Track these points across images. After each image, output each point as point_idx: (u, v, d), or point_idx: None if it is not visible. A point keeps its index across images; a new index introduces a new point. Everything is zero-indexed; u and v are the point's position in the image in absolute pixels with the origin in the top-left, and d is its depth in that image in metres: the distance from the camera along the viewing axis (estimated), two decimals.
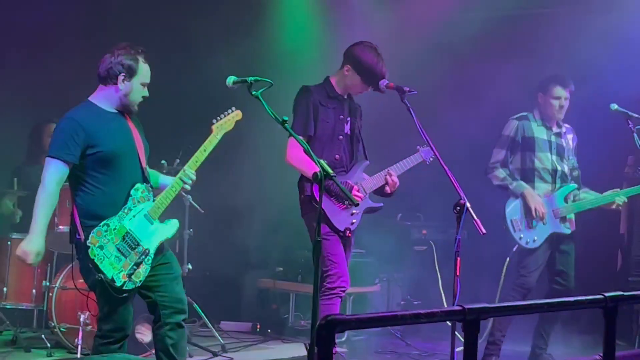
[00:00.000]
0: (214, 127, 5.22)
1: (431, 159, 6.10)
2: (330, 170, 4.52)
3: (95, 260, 4.78)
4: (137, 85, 5.01)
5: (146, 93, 5.09)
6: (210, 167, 5.39)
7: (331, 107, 6.00)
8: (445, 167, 5.11)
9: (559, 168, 7.03)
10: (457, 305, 2.99)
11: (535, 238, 6.91)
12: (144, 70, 5.03)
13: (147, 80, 5.08)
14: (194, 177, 5.12)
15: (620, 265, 8.65)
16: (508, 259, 7.08)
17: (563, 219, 6.99)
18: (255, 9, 9.29)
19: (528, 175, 7.01)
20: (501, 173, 7.01)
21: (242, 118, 5.34)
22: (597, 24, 8.43)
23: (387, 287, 9.09)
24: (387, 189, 5.99)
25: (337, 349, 6.42)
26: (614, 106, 6.72)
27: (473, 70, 9.04)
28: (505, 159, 7.05)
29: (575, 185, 7.07)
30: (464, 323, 2.94)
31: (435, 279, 8.49)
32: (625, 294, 3.51)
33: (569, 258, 7.07)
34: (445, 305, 4.29)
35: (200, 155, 5.14)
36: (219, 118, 5.26)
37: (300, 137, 5.17)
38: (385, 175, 5.97)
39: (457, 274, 4.87)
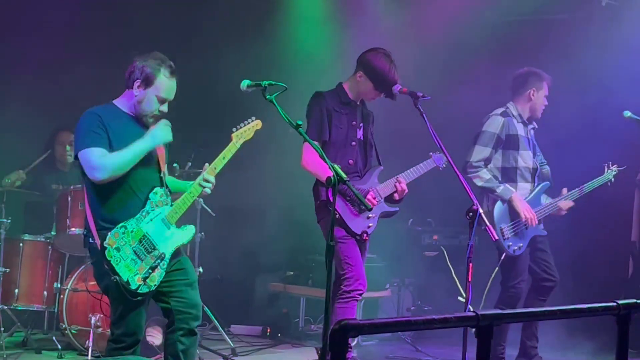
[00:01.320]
0: (233, 135, 5.21)
1: (444, 165, 6.10)
2: (343, 175, 4.54)
3: (112, 262, 4.78)
4: (152, 96, 4.97)
5: (164, 108, 5.04)
6: (222, 171, 5.40)
7: (344, 113, 6.02)
8: (458, 172, 5.12)
9: (537, 166, 6.90)
10: (470, 311, 2.98)
11: (521, 245, 6.69)
12: (163, 85, 4.97)
13: (167, 96, 5.02)
14: (213, 181, 5.12)
15: (631, 273, 8.62)
16: (497, 269, 6.69)
17: (540, 221, 6.83)
18: (268, 11, 9.30)
19: (510, 174, 6.78)
20: (486, 174, 6.70)
21: (261, 127, 5.34)
22: (605, 30, 8.44)
23: (398, 292, 9.08)
24: (396, 195, 6.01)
25: (351, 354, 6.42)
26: (627, 113, 6.69)
27: (483, 73, 9.04)
28: (490, 158, 6.77)
29: (548, 183, 6.93)
30: (477, 329, 2.94)
31: (446, 284, 8.46)
32: (639, 301, 3.49)
33: (547, 253, 6.91)
34: (471, 309, 4.29)
35: (219, 162, 5.14)
36: (239, 127, 5.24)
37: (315, 143, 5.21)
38: (395, 182, 5.98)
39: (469, 279, 4.87)
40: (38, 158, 7.83)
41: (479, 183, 6.69)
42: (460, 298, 6.74)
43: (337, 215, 5.83)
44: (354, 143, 6.03)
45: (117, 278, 4.78)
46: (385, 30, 8.87)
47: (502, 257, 6.65)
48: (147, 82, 4.95)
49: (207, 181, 5.09)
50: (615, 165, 6.93)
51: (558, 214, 6.90)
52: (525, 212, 6.65)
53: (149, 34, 8.01)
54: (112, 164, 4.79)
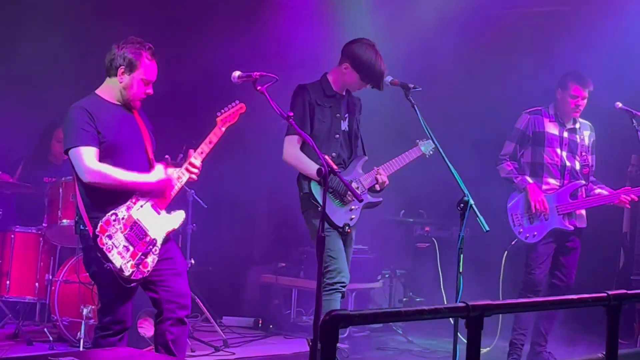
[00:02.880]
0: (218, 119, 5.23)
1: (431, 152, 6.09)
2: (334, 166, 4.54)
3: (104, 249, 4.79)
4: (137, 80, 5.01)
5: (149, 90, 5.08)
6: (213, 162, 5.40)
7: (327, 106, 5.98)
8: (449, 163, 5.10)
9: (568, 164, 6.98)
10: (460, 302, 2.98)
11: (535, 233, 6.89)
12: (147, 67, 5.02)
13: (151, 77, 5.06)
14: (199, 165, 5.13)
15: (622, 264, 8.64)
16: (506, 252, 7.09)
17: (568, 215, 6.94)
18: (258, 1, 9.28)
19: (537, 170, 7.00)
20: (508, 165, 7.03)
21: (245, 113, 5.35)
22: (607, 23, 8.44)
23: (390, 283, 9.09)
24: (377, 187, 5.99)
25: (339, 344, 6.42)
26: (619, 104, 6.71)
27: (482, 65, 9.05)
28: (514, 152, 7.07)
29: (583, 182, 7.01)
30: (468, 320, 2.94)
31: (438, 276, 8.49)
32: (629, 292, 3.50)
33: (572, 255, 7.04)
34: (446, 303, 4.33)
35: (205, 147, 5.16)
36: (223, 111, 5.26)
37: (297, 136, 5.38)
38: (375, 174, 5.96)
39: (460, 271, 4.87)
40: (22, 158, 7.87)
41: (502, 174, 7.08)
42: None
43: (319, 209, 5.88)
44: (337, 136, 5.99)
45: (111, 265, 4.79)
46: (378, 20, 8.87)
47: (513, 242, 6.98)
48: (131, 67, 4.98)
49: (193, 166, 5.10)
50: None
51: (621, 204, 7.02)
52: (536, 202, 6.85)
53: (140, 24, 7.96)
54: (105, 176, 4.84)
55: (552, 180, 6.98)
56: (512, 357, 6.90)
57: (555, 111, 7.03)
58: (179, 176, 5.08)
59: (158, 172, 4.99)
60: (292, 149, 5.84)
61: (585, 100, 6.97)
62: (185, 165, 5.12)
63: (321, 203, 5.74)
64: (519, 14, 9.33)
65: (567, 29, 8.93)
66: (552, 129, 7.00)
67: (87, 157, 4.84)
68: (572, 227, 6.96)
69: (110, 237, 4.82)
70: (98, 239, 4.78)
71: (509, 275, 7.24)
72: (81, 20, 8.53)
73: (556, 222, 6.92)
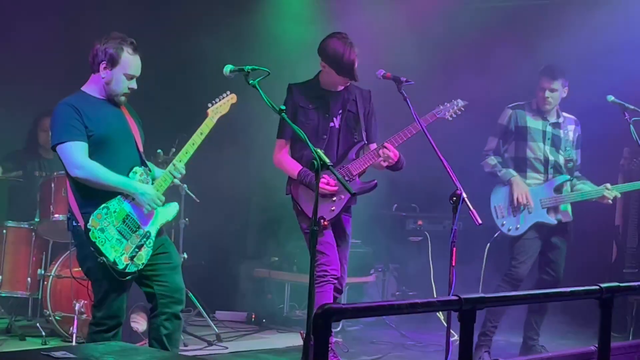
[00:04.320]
0: (209, 110, 5.25)
1: (450, 119, 5.94)
2: (327, 160, 4.55)
3: (97, 243, 4.79)
4: (119, 75, 4.99)
5: (133, 85, 5.06)
6: (206, 156, 5.40)
7: (312, 108, 5.94)
8: (442, 157, 5.11)
9: (551, 158, 6.98)
10: (453, 295, 2.99)
11: (518, 226, 6.88)
12: (129, 62, 4.99)
13: (134, 72, 5.04)
14: (183, 171, 5.12)
15: (615, 257, 8.65)
16: (488, 245, 7.13)
17: (552, 210, 6.94)
18: None
19: (520, 164, 7.00)
20: (492, 160, 7.01)
21: (239, 107, 5.35)
22: (597, 16, 8.44)
23: (383, 277, 9.09)
24: (383, 163, 5.84)
25: (334, 338, 6.42)
26: (611, 97, 6.70)
27: (473, 61, 9.04)
28: (497, 147, 7.07)
29: (567, 177, 7.01)
30: (460, 313, 2.94)
31: (430, 269, 8.49)
32: (621, 285, 3.51)
33: (560, 250, 7.04)
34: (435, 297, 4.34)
35: (197, 138, 5.15)
36: (214, 102, 5.28)
37: (283, 140, 5.71)
38: (378, 151, 5.82)
39: (453, 264, 4.89)
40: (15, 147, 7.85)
41: (486, 169, 7.06)
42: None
43: (299, 208, 5.90)
44: (325, 136, 5.94)
45: (104, 259, 4.79)
46: (373, 14, 8.85)
47: (495, 235, 6.99)
48: (113, 62, 4.96)
49: (177, 170, 5.09)
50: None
51: (602, 200, 6.96)
52: (519, 195, 6.85)
53: (129, 17, 7.94)
54: (93, 174, 4.84)
55: (535, 175, 6.98)
56: (483, 348, 6.86)
57: (537, 106, 7.03)
58: (165, 178, 5.08)
59: (148, 187, 4.97)
60: (278, 155, 5.98)
61: (556, 93, 6.93)
62: (169, 168, 5.11)
63: (299, 202, 5.86)
64: (503, 7, 9.33)
65: (554, 23, 8.93)
66: (534, 123, 7.00)
67: (76, 152, 4.84)
68: (555, 222, 6.94)
69: (102, 230, 4.81)
70: (90, 233, 4.78)
71: (491, 268, 7.25)
72: (68, 13, 8.50)
73: (539, 216, 6.90)
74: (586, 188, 7.01)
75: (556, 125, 7.04)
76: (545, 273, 7.04)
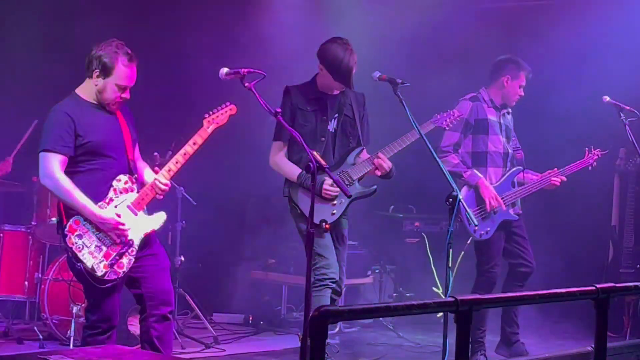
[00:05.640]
0: (205, 120, 5.18)
1: (449, 125, 6.04)
2: (323, 162, 4.55)
3: (74, 249, 4.79)
4: (111, 85, 4.94)
5: (126, 95, 5.01)
6: (202, 159, 5.39)
7: (311, 110, 5.94)
8: (437, 158, 5.13)
9: (510, 151, 6.88)
10: (449, 296, 2.99)
11: (488, 229, 6.69)
12: (122, 73, 4.93)
13: (127, 83, 4.98)
14: (164, 188, 5.05)
15: (611, 257, 8.66)
16: (463, 253, 6.66)
17: (512, 205, 6.82)
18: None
19: (480, 159, 6.78)
20: (454, 159, 6.71)
21: (236, 110, 5.31)
22: (592, 16, 8.46)
23: (380, 279, 9.08)
24: (377, 172, 5.89)
25: (329, 340, 6.42)
26: (606, 98, 6.69)
27: (466, 61, 9.05)
28: (459, 143, 6.77)
29: (521, 168, 6.88)
30: (457, 314, 2.95)
31: (428, 271, 8.48)
32: (617, 285, 3.52)
33: (523, 238, 6.90)
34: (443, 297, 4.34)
35: (189, 148, 5.09)
36: (211, 112, 5.21)
37: (281, 142, 5.69)
38: (373, 160, 5.88)
39: (449, 265, 4.89)
40: (19, 143, 7.81)
41: (447, 167, 6.48)
42: (435, 289, 6.80)
43: (298, 211, 5.90)
44: (323, 138, 5.94)
45: (81, 265, 4.78)
46: (368, 16, 8.86)
47: (468, 241, 6.68)
48: (106, 71, 4.91)
49: (161, 183, 5.05)
50: (597, 150, 6.94)
51: (550, 187, 6.87)
52: (490, 199, 6.65)
53: (125, 20, 7.95)
54: (60, 189, 4.81)
55: (496, 169, 6.81)
56: (479, 352, 6.76)
57: (491, 97, 6.86)
58: (147, 193, 5.04)
59: (110, 213, 4.90)
60: (274, 156, 5.96)
61: None
62: (153, 182, 5.07)
63: (299, 205, 5.85)
64: (491, 9, 9.34)
65: (554, 24, 8.95)
66: (492, 115, 6.83)
67: (52, 163, 4.81)
68: (517, 217, 6.86)
69: (80, 236, 4.81)
70: (67, 238, 4.78)
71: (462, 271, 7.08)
72: (63, 15, 8.49)
73: (503, 214, 6.75)
74: (535, 178, 6.90)
75: (505, 115, 6.92)
76: (522, 266, 6.87)
